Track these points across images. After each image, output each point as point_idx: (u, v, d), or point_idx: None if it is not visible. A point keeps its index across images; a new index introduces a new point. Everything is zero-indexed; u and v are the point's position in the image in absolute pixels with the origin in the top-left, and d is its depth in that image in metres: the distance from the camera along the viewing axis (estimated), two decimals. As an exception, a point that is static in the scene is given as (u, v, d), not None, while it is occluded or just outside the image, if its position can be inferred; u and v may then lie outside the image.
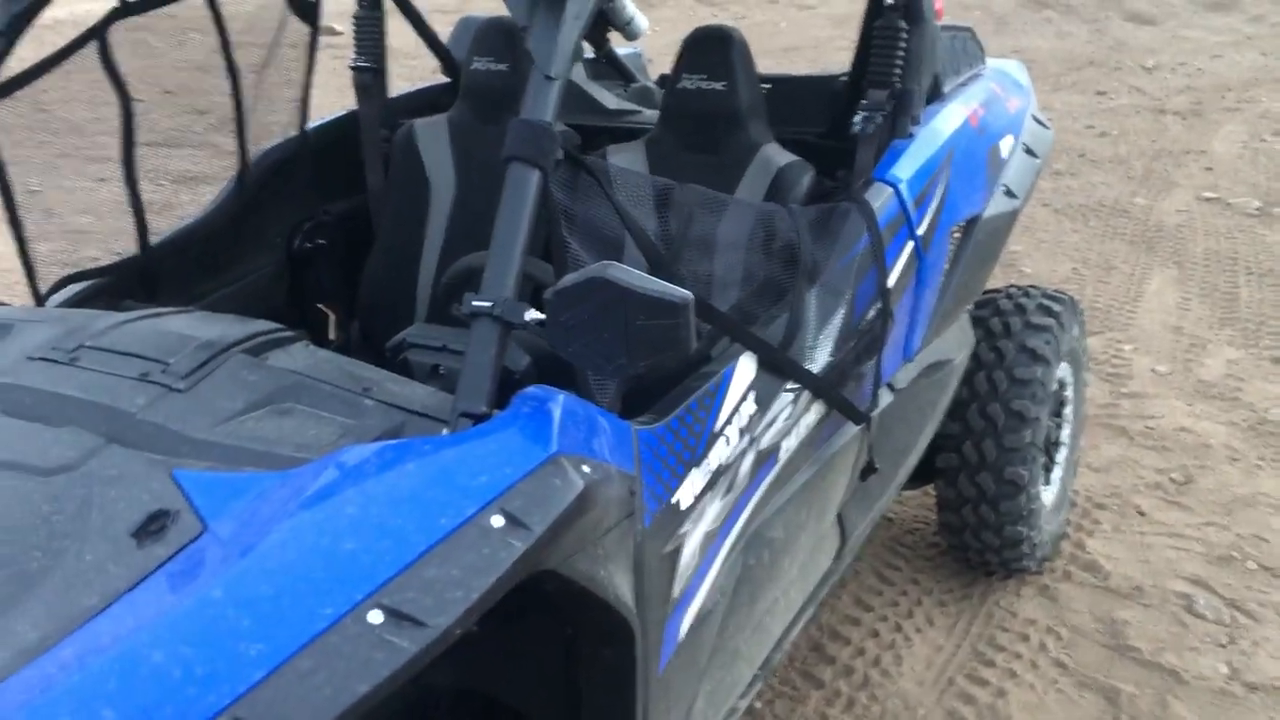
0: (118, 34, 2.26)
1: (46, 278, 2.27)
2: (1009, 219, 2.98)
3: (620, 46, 3.77)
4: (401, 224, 2.88)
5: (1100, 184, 6.73)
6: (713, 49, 2.50)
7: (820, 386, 2.12)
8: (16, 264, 2.25)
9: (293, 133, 2.85)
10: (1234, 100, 8.74)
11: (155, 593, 1.29)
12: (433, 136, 2.87)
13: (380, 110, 3.02)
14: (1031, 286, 3.30)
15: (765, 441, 2.00)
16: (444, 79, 3.34)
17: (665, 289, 1.45)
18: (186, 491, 1.42)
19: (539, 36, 1.65)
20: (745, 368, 1.92)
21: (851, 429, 2.36)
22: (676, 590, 1.77)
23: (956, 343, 2.92)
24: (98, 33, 2.23)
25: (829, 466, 2.30)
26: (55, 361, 1.69)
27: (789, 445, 2.10)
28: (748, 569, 2.05)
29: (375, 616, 1.20)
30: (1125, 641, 3.01)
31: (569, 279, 1.48)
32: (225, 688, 1.13)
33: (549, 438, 1.45)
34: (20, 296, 2.53)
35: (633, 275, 1.46)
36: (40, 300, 2.26)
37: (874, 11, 2.62)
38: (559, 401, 1.51)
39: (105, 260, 2.40)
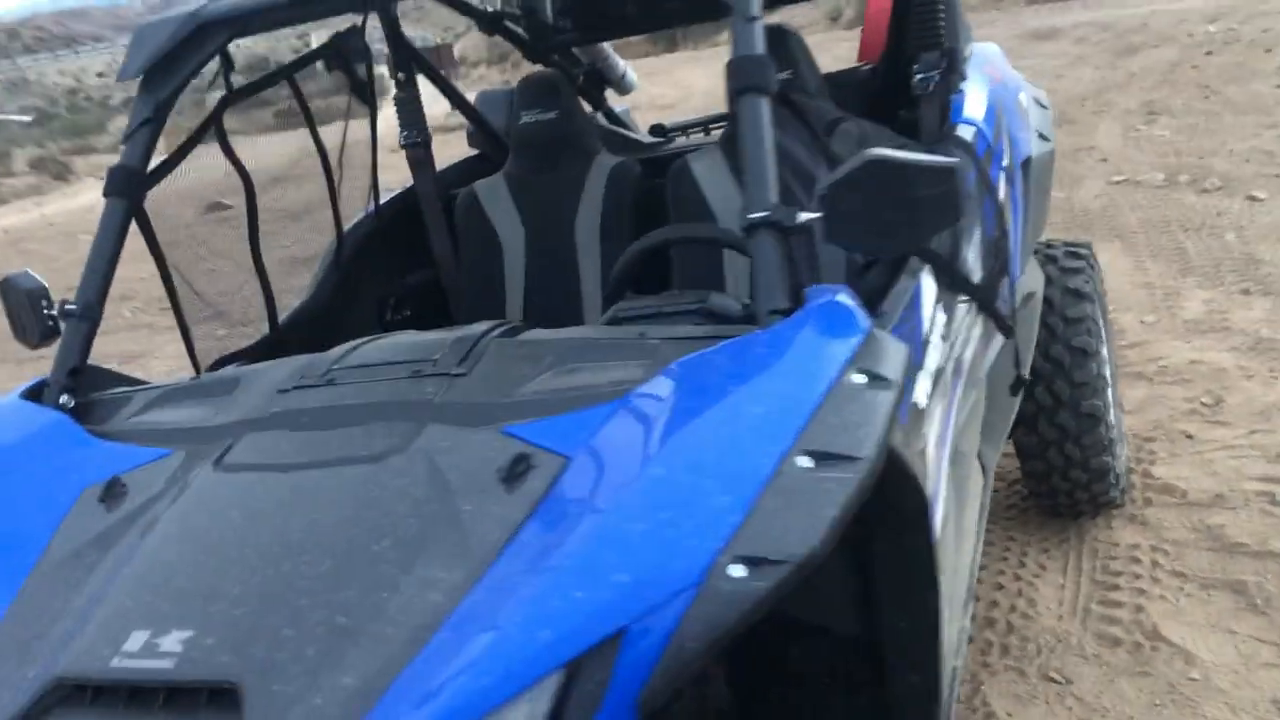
0: (230, 122, 2.33)
1: (204, 359, 2.29)
2: (1050, 159, 3.20)
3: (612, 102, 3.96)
4: (480, 282, 2.95)
5: (1014, 191, 7.18)
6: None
7: (985, 297, 2.26)
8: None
9: (370, 208, 2.93)
10: (1094, 105, 9.42)
11: (561, 512, 1.33)
12: (494, 195, 2.97)
13: (434, 182, 3.11)
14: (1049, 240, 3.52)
15: (955, 351, 2.11)
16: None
17: (936, 158, 1.57)
18: (530, 439, 1.46)
19: None
20: (927, 281, 2.04)
21: (999, 344, 2.48)
22: (928, 491, 1.84)
23: (1036, 277, 3.10)
24: (215, 119, 2.30)
25: (987, 384, 2.42)
26: (312, 387, 1.70)
27: (967, 356, 2.21)
28: (953, 480, 2.12)
29: (805, 461, 1.27)
30: (1229, 541, 3.17)
31: (839, 171, 1.59)
32: (712, 532, 1.19)
33: (857, 315, 1.55)
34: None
35: (901, 152, 1.57)
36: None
37: None
38: (844, 291, 1.60)
39: (244, 341, 2.42)
